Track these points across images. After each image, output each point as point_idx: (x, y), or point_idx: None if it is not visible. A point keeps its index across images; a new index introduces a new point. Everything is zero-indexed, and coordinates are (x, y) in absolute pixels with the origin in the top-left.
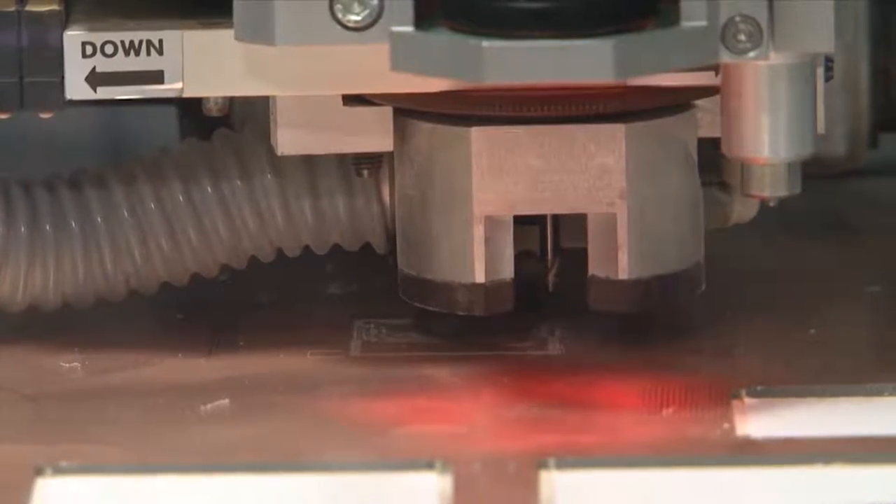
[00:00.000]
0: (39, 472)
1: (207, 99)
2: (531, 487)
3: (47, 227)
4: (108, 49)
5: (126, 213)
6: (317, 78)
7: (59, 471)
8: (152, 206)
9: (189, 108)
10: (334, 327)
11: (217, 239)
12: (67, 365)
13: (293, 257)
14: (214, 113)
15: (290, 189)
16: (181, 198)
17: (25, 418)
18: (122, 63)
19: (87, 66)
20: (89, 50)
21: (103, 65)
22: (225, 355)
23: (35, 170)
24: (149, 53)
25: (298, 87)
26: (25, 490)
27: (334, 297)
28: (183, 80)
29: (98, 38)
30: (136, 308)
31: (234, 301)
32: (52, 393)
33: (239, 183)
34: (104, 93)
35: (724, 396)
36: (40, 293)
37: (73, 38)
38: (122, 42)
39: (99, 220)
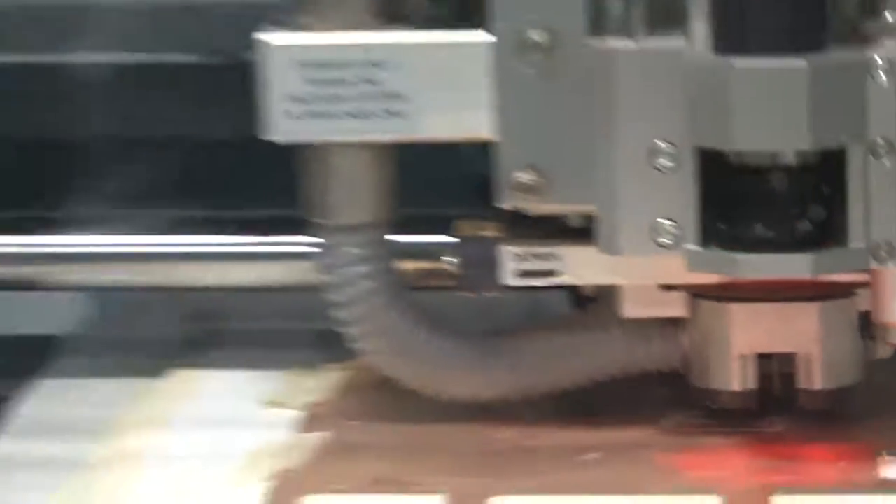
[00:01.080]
0: (489, 495)
1: (584, 286)
2: None
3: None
4: (528, 257)
5: (536, 355)
6: (646, 272)
7: (518, 491)
8: (563, 350)
9: (574, 290)
10: (658, 414)
11: (587, 369)
12: (500, 436)
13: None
14: (588, 293)
15: (631, 338)
16: (567, 350)
17: (474, 467)
18: (535, 264)
19: (515, 266)
20: (516, 257)
21: (525, 265)
22: (596, 427)
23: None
24: (549, 259)
25: (637, 278)
26: None
27: (659, 398)
28: (571, 275)
29: (521, 251)
30: (538, 404)
31: (603, 401)
32: (489, 451)
33: (601, 334)
34: (523, 282)
35: (873, 455)
36: (482, 391)
37: (507, 251)
38: (535, 253)
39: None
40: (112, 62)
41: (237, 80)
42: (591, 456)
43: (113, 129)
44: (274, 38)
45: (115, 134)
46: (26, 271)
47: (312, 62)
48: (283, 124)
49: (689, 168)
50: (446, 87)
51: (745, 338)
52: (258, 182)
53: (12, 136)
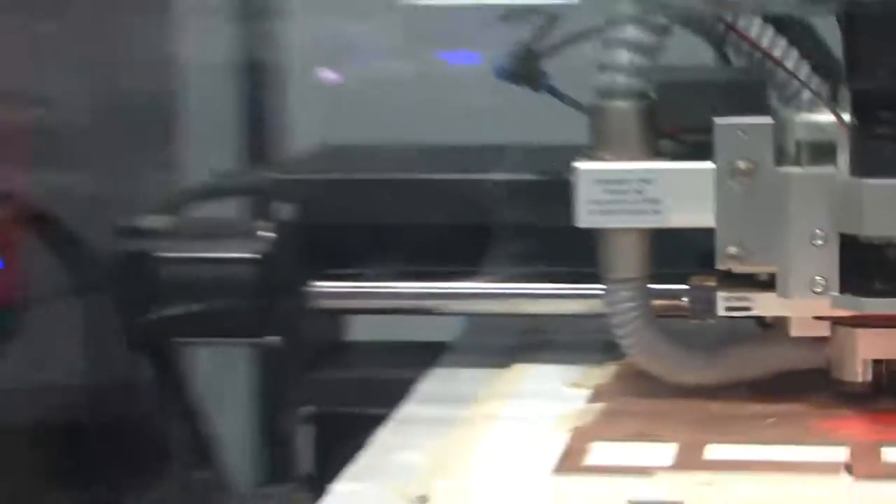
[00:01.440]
0: (706, 444)
1: (767, 316)
2: (878, 455)
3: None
4: (733, 298)
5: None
6: (806, 308)
7: (724, 442)
8: (754, 354)
9: (760, 319)
10: (811, 395)
11: (768, 366)
12: (714, 407)
13: (797, 372)
14: (769, 321)
15: (796, 348)
16: (757, 354)
17: (697, 426)
18: (737, 303)
19: (725, 304)
20: (726, 299)
21: (731, 303)
22: (773, 402)
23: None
24: (746, 300)
25: (800, 312)
26: (699, 454)
27: (812, 385)
28: (759, 310)
29: (729, 295)
30: (739, 387)
31: (778, 386)
32: (707, 417)
33: (777, 346)
34: (729, 314)
35: None
36: (704, 379)
37: (721, 295)
38: (737, 296)
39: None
40: (492, 179)
41: (562, 191)
42: (770, 420)
43: (485, 219)
44: (582, 165)
45: (488, 222)
46: (440, 303)
47: (605, 179)
48: (586, 217)
49: (834, 245)
50: (686, 196)
51: (866, 349)
52: (571, 251)
53: (440, 223)
